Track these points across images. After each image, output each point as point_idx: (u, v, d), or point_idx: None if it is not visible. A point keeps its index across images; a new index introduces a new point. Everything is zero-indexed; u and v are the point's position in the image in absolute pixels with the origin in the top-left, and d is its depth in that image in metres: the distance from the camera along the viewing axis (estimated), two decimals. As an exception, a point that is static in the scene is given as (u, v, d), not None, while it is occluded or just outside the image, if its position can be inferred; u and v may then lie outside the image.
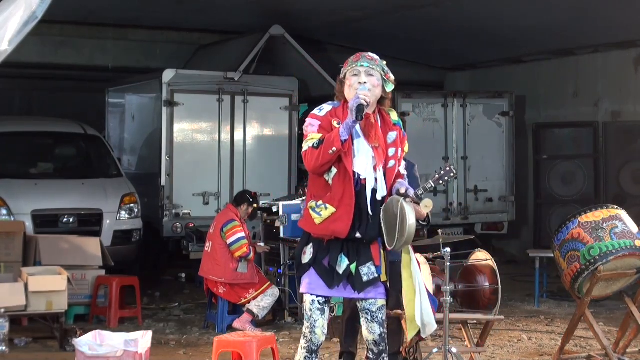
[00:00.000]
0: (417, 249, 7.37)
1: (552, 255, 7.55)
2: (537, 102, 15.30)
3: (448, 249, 6.51)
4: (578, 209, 8.38)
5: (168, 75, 12.47)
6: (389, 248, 5.12)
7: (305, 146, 5.07)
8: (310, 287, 5.15)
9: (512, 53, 15.25)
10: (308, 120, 5.16)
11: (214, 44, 15.37)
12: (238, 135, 12.95)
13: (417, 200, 5.13)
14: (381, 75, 5.18)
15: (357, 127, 5.09)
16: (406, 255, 5.20)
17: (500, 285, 7.06)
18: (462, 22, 13.30)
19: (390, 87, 5.22)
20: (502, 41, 14.30)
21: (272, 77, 13.37)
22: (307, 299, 5.17)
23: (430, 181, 5.27)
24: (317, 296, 5.15)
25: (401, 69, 16.57)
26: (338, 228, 5.07)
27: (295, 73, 13.48)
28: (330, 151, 4.96)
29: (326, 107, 5.19)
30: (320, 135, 5.04)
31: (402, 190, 5.08)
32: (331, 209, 5.07)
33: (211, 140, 12.83)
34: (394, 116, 5.30)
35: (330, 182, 5.09)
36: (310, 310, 5.16)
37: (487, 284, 7.10)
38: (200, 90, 12.76)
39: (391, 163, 5.20)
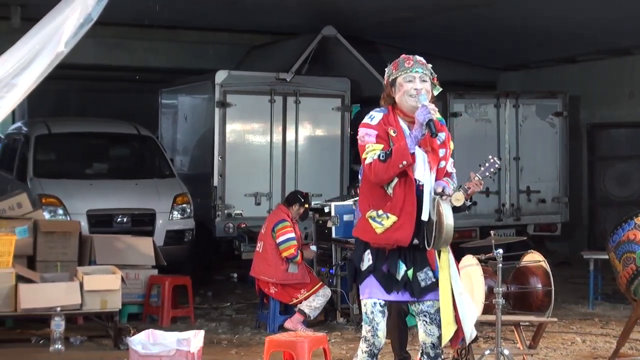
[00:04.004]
0: (469, 250, 7.38)
1: (607, 257, 7.47)
2: (591, 102, 15.11)
3: (500, 250, 6.48)
4: (634, 210, 8.27)
5: (221, 76, 12.55)
6: (428, 249, 5.10)
7: (369, 158, 5.05)
8: (372, 292, 5.15)
9: (565, 52, 15.10)
10: (363, 130, 5.14)
11: (266, 44, 15.43)
12: (290, 135, 12.98)
13: (465, 196, 5.11)
14: (430, 79, 5.19)
15: (407, 131, 5.11)
16: (444, 257, 5.15)
17: (553, 287, 6.99)
18: (515, 21, 13.19)
19: (437, 91, 5.24)
20: (555, 40, 14.16)
21: (324, 78, 13.38)
22: (368, 302, 5.16)
23: (477, 174, 5.23)
24: (378, 299, 5.14)
25: (453, 69, 16.53)
26: (400, 236, 5.06)
27: (347, 74, 13.47)
28: (401, 165, 4.98)
29: (377, 115, 5.18)
30: (380, 145, 5.05)
31: (439, 190, 5.09)
32: (393, 218, 5.07)
33: (263, 140, 12.88)
34: (438, 115, 5.29)
35: (389, 191, 5.08)
36: (372, 313, 5.15)
37: (539, 285, 7.04)
38: (252, 91, 12.83)
39: (442, 164, 5.23)
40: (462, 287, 5.19)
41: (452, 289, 5.10)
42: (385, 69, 5.31)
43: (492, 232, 7.07)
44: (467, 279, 6.96)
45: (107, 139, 12.93)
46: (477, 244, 7.45)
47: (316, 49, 13.21)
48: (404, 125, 5.15)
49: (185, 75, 14.74)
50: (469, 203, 5.41)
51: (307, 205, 9.79)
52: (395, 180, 5.06)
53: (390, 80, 5.22)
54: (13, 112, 12.63)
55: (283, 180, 12.89)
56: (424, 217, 5.07)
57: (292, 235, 9.34)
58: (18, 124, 14.15)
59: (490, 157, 5.37)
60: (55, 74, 6.18)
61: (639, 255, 7.01)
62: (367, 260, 5.16)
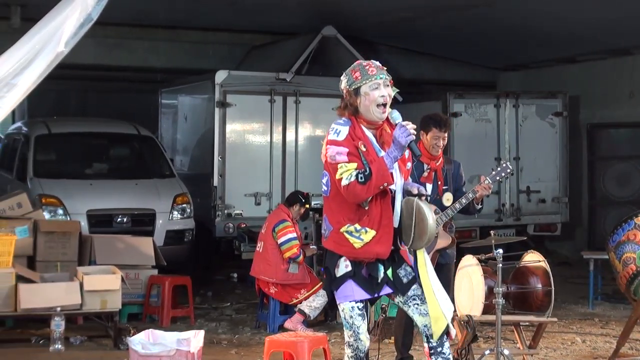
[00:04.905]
0: (469, 250, 7.38)
1: (607, 257, 7.47)
2: (591, 102, 15.12)
3: (500, 250, 6.47)
4: (634, 210, 8.27)
5: (221, 76, 12.54)
6: (403, 248, 5.10)
7: (345, 180, 4.90)
8: (349, 295, 5.07)
9: (565, 53, 15.11)
10: (333, 148, 4.99)
11: (266, 44, 15.43)
12: (290, 135, 12.98)
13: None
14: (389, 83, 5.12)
15: (375, 141, 5.06)
16: (420, 255, 5.14)
17: (553, 287, 6.99)
18: (515, 21, 13.20)
19: (394, 92, 5.16)
20: (555, 41, 14.17)
21: (324, 78, 13.34)
22: (346, 306, 5.08)
23: (488, 178, 5.26)
24: (357, 302, 5.08)
25: (453, 69, 16.58)
26: (381, 250, 5.02)
27: (347, 74, 13.46)
28: (382, 186, 4.93)
29: (342, 130, 5.05)
30: (354, 164, 4.93)
31: (415, 191, 5.05)
32: (372, 232, 5.00)
33: (263, 140, 12.88)
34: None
35: (364, 205, 4.99)
36: (351, 317, 5.07)
37: (539, 285, 7.04)
38: (252, 91, 12.82)
39: (408, 165, 5.22)
40: (439, 283, 5.17)
41: (431, 285, 5.09)
42: (342, 78, 5.20)
43: (492, 232, 7.07)
44: (467, 278, 6.97)
45: (107, 139, 12.94)
46: (477, 244, 7.44)
47: (316, 49, 13.21)
48: (369, 135, 5.07)
49: (185, 75, 14.74)
50: (479, 206, 5.43)
51: (307, 206, 9.80)
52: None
53: (352, 89, 5.12)
54: (13, 112, 12.63)
55: (283, 180, 12.89)
56: (396, 224, 5.05)
57: (294, 235, 9.35)
58: (18, 124, 14.16)
59: (503, 161, 5.40)
60: (55, 74, 6.19)
61: (639, 255, 7.01)
62: (344, 266, 5.08)
